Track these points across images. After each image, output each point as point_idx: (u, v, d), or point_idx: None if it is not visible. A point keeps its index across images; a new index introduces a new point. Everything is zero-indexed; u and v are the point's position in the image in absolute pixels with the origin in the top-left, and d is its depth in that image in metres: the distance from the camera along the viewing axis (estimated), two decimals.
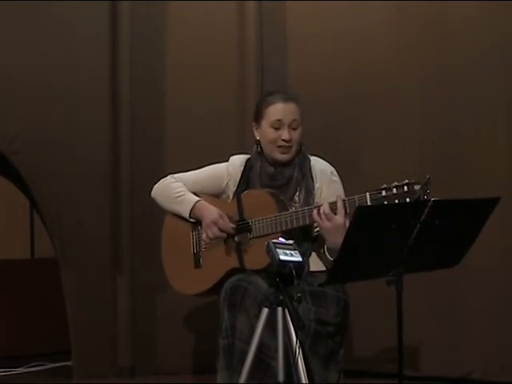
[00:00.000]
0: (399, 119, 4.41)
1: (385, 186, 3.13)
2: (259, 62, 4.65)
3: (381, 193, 3.12)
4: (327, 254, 3.37)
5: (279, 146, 3.49)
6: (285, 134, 3.47)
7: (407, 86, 4.39)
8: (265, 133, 3.52)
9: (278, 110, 3.50)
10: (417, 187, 3.05)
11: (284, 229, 3.32)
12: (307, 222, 3.32)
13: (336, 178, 3.55)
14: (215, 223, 3.46)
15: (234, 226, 3.46)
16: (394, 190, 3.10)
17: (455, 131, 4.29)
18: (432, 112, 4.33)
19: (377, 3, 4.44)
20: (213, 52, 4.69)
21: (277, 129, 3.49)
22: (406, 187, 3.08)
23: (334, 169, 3.57)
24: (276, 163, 3.53)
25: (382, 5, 4.43)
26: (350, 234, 2.81)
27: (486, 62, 4.21)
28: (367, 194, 3.16)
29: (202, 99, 4.68)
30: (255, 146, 3.59)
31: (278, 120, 3.48)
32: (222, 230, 3.46)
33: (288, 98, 3.53)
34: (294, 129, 3.49)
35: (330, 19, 4.58)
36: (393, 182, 3.11)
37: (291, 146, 3.49)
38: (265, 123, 3.52)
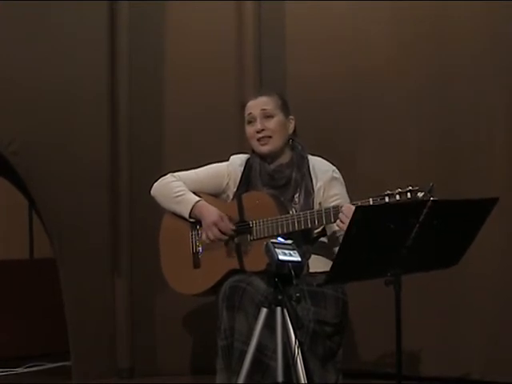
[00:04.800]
0: (397, 121, 4.41)
1: (388, 192, 3.12)
2: (257, 63, 4.66)
3: (384, 199, 3.12)
4: None
5: (258, 140, 3.52)
6: (256, 125, 3.52)
7: (405, 87, 4.39)
8: (246, 132, 3.59)
9: (249, 106, 3.59)
10: (420, 194, 3.05)
11: (285, 231, 3.31)
12: (308, 226, 3.32)
13: (338, 175, 3.54)
14: (215, 225, 3.47)
15: (234, 227, 3.47)
16: (397, 197, 3.10)
17: (453, 132, 4.29)
18: (430, 113, 4.34)
19: (375, 5, 4.44)
20: (211, 53, 4.70)
21: (251, 123, 3.56)
22: (409, 194, 3.08)
23: (335, 168, 3.57)
24: (271, 160, 3.54)
25: (380, 6, 4.43)
26: (350, 233, 2.81)
27: (485, 62, 4.21)
28: (370, 199, 3.16)
29: (201, 100, 4.69)
30: (251, 148, 3.62)
31: (249, 114, 3.57)
32: (222, 232, 3.47)
33: (259, 93, 3.65)
34: (266, 118, 3.53)
35: (328, 20, 4.60)
36: (395, 188, 3.11)
37: (270, 136, 3.52)
38: (245, 123, 3.59)
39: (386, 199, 3.12)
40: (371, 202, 3.15)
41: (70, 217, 4.52)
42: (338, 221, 3.23)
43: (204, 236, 3.50)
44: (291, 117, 3.59)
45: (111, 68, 4.67)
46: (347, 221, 3.08)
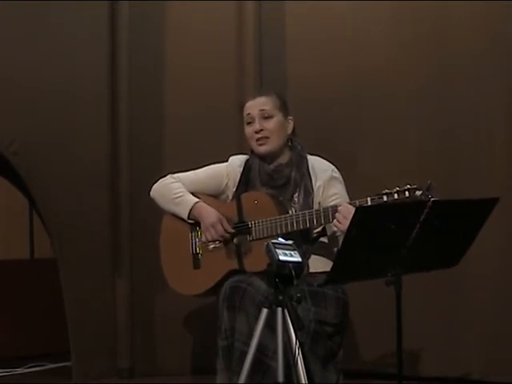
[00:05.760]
0: (397, 121, 4.41)
1: (386, 190, 3.12)
2: (257, 63, 4.66)
3: (382, 197, 3.12)
4: None
5: (257, 140, 3.52)
6: (255, 125, 3.52)
7: (405, 87, 4.39)
8: (245, 132, 3.59)
9: (247, 106, 3.59)
10: (418, 193, 3.05)
11: (284, 231, 3.31)
12: (307, 226, 3.32)
13: (337, 174, 3.55)
14: (214, 226, 3.47)
15: (232, 229, 3.47)
16: (396, 196, 3.10)
17: (453, 132, 4.29)
18: (430, 113, 4.33)
19: (375, 5, 4.44)
20: (211, 53, 4.70)
21: (250, 123, 3.55)
22: (407, 192, 3.08)
23: (334, 167, 3.57)
24: (270, 160, 3.54)
25: (380, 6, 4.43)
26: (350, 234, 2.81)
27: (485, 62, 4.21)
28: (368, 198, 3.16)
29: (201, 100, 4.69)
30: (250, 149, 3.62)
31: (248, 114, 3.56)
32: (220, 234, 3.47)
33: (258, 93, 3.64)
34: (265, 118, 3.53)
35: (328, 20, 4.60)
36: (394, 187, 3.11)
37: (268, 137, 3.52)
38: (244, 124, 3.59)
39: (384, 198, 3.12)
40: (369, 202, 3.15)
41: (70, 217, 4.52)
42: (335, 221, 3.23)
43: (204, 238, 3.51)
44: (290, 117, 3.58)
45: (111, 68, 4.67)
46: (344, 221, 3.10)
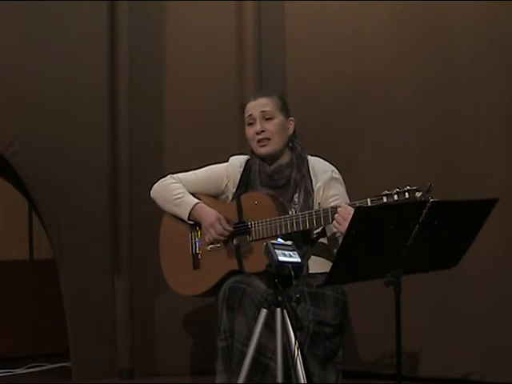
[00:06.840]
0: (397, 121, 4.40)
1: (386, 192, 3.12)
2: (257, 63, 4.67)
3: (382, 199, 3.12)
4: None
5: (258, 141, 3.52)
6: (256, 126, 3.52)
7: (405, 87, 4.38)
8: (246, 133, 3.58)
9: (249, 107, 3.58)
10: (418, 194, 3.05)
11: (284, 232, 3.31)
12: (307, 227, 3.32)
13: (337, 175, 3.54)
14: (213, 226, 3.47)
15: (231, 229, 3.47)
16: (396, 197, 3.10)
17: (453, 133, 4.28)
18: (430, 114, 4.33)
19: (375, 5, 4.44)
20: (211, 52, 4.71)
21: (251, 124, 3.55)
22: (407, 194, 3.08)
23: (335, 168, 3.57)
24: (271, 161, 3.54)
25: (380, 6, 4.43)
26: (349, 234, 2.80)
27: (485, 63, 4.20)
28: (368, 199, 3.16)
29: (201, 100, 4.70)
30: (251, 149, 3.62)
31: (249, 115, 3.56)
32: (220, 234, 3.46)
33: (259, 94, 3.62)
34: (267, 120, 3.52)
35: (328, 20, 4.60)
36: (394, 188, 3.11)
37: (269, 138, 3.51)
38: (245, 125, 3.58)
39: (384, 199, 3.12)
40: (369, 203, 3.15)
41: (70, 217, 4.52)
42: (334, 222, 3.23)
43: (205, 239, 3.50)
44: (291, 118, 3.58)
45: (111, 68, 4.67)
46: (344, 222, 3.10)
